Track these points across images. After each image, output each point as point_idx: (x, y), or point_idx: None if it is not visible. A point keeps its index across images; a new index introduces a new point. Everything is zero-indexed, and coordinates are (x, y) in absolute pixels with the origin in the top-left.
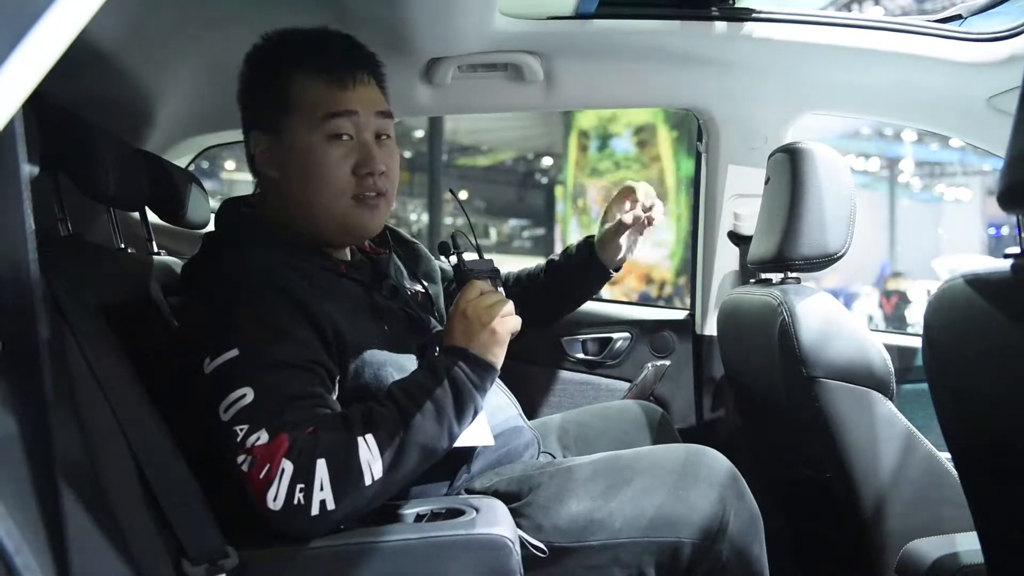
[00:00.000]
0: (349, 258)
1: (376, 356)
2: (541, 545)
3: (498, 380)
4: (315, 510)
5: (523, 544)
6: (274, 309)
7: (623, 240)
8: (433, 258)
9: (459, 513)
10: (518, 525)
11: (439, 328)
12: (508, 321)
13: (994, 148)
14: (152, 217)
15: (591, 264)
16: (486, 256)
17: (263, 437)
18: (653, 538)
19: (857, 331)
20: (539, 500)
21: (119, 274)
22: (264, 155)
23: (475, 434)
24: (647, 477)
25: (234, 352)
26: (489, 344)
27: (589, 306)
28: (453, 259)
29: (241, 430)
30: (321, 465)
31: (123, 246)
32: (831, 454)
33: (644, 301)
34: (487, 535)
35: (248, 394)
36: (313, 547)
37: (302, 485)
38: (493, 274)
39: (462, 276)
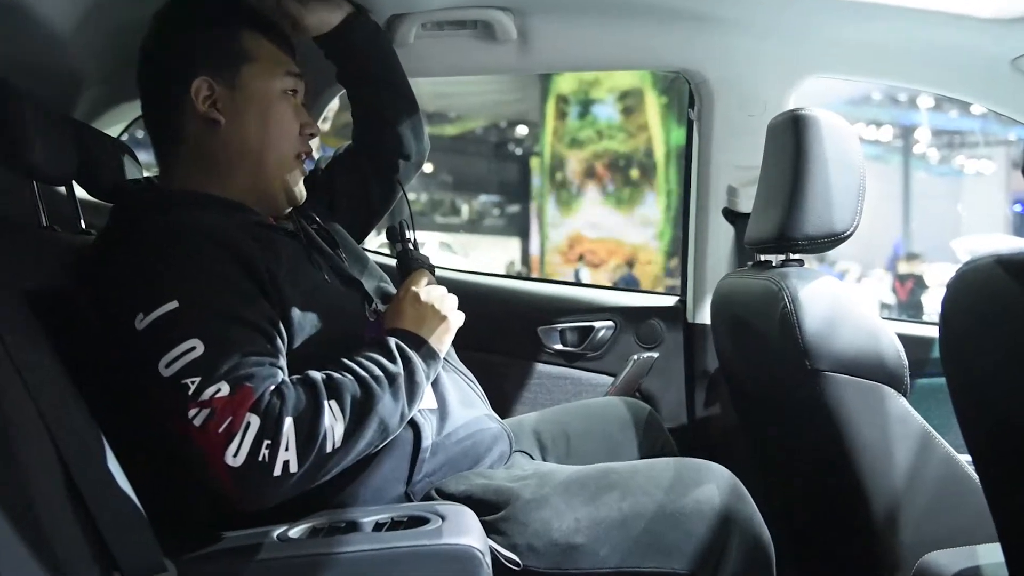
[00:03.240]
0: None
1: (319, 310)
2: (514, 557)
3: (464, 372)
4: (278, 470)
5: (494, 556)
6: (213, 259)
7: (305, 9)
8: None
9: (423, 521)
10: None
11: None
12: (457, 314)
13: (1020, 115)
14: (80, 192)
15: (338, 51)
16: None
17: (224, 389)
18: (643, 569)
19: (867, 319)
20: (515, 514)
21: (44, 256)
22: (209, 101)
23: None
24: (638, 496)
25: (172, 304)
26: (440, 334)
27: (568, 291)
28: (399, 246)
29: (192, 382)
30: (289, 424)
31: (48, 224)
32: (838, 456)
33: (629, 286)
34: (454, 546)
35: (197, 346)
36: (261, 558)
37: (269, 442)
38: (431, 268)
39: (411, 263)
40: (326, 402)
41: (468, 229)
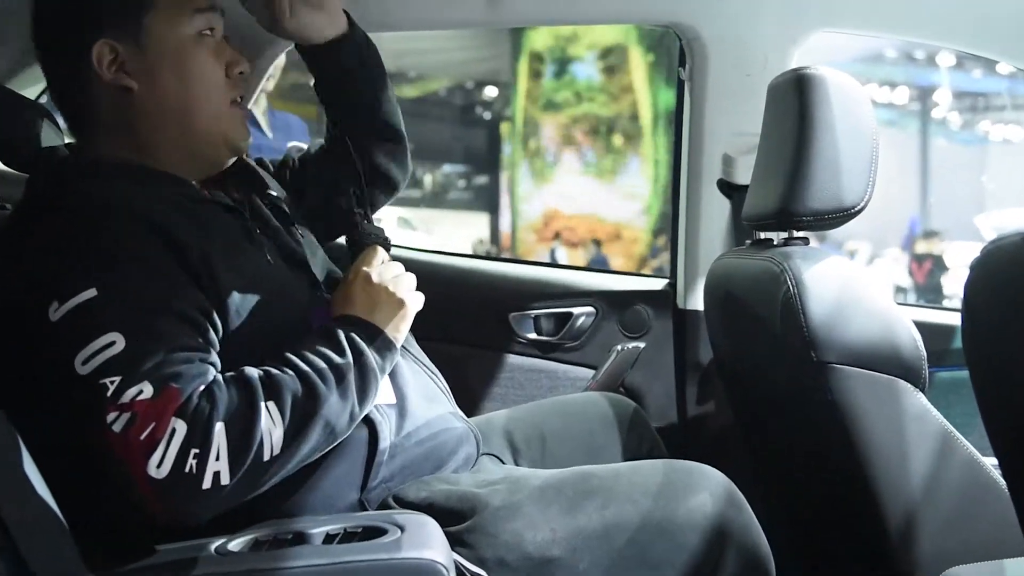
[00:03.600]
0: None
1: (260, 295)
2: (483, 573)
3: (425, 364)
4: (207, 482)
5: (459, 571)
6: (138, 240)
7: (295, 6)
8: (261, 168)
9: (379, 532)
10: (455, 554)
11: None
12: (415, 296)
13: None
14: None
15: (318, 63)
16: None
17: (147, 390)
18: None
19: (880, 305)
20: (484, 524)
21: None
22: (116, 66)
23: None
24: (622, 503)
25: (91, 292)
26: (396, 321)
27: (544, 273)
28: (349, 221)
29: (111, 383)
30: (219, 429)
31: None
32: (847, 459)
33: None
34: (414, 560)
35: (117, 341)
36: (197, 574)
37: (197, 450)
38: (387, 244)
39: (362, 238)
40: (263, 403)
41: (430, 203)
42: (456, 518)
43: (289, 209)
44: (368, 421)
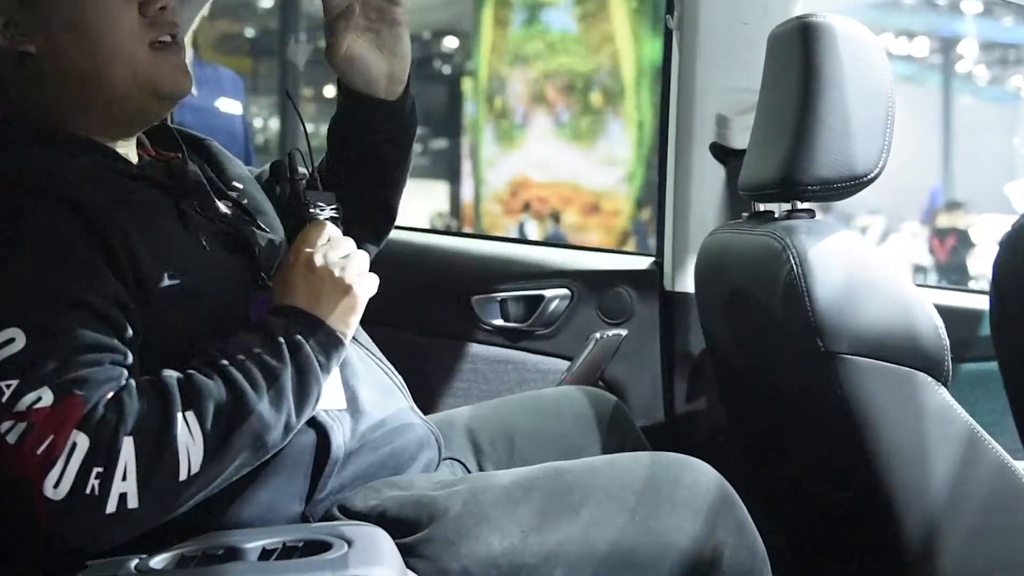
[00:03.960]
0: (136, 160)
1: (191, 286)
2: None
3: (376, 355)
4: (111, 505)
5: None
6: (47, 218)
7: (358, 44)
8: (238, 160)
9: (323, 547)
10: (412, 568)
11: (271, 238)
12: (367, 280)
13: None
14: None
15: (350, 107)
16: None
17: (45, 397)
18: None
19: (897, 286)
20: (444, 532)
21: None
22: (9, 30)
23: (324, 396)
24: (601, 500)
25: None
26: (344, 311)
27: (512, 251)
28: (288, 188)
29: (7, 387)
30: (128, 445)
31: None
32: (860, 463)
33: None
34: None
35: (17, 338)
36: None
37: (100, 469)
38: (337, 213)
39: (304, 213)
40: (180, 414)
41: None
42: (411, 527)
43: (249, 196)
44: (317, 425)
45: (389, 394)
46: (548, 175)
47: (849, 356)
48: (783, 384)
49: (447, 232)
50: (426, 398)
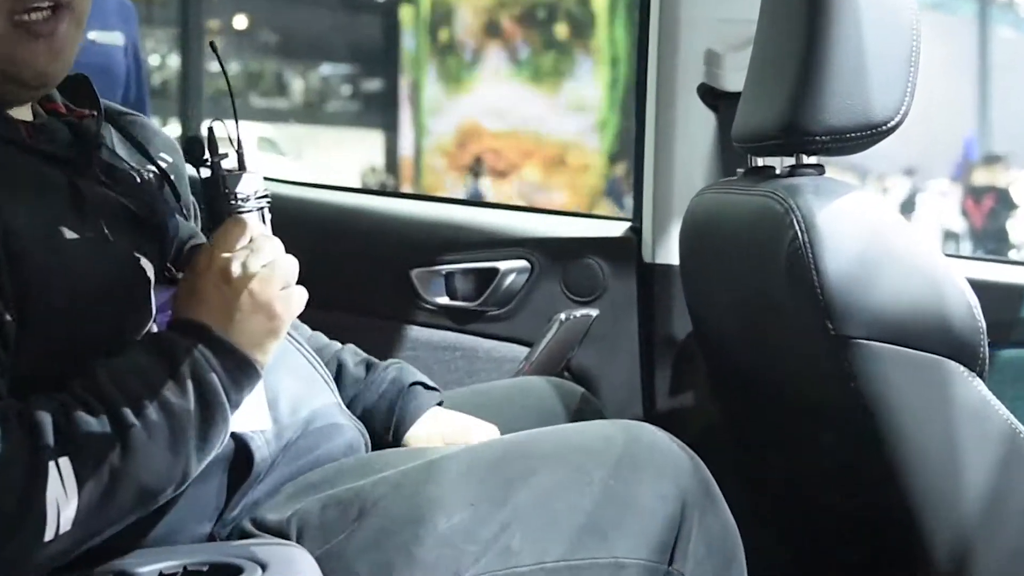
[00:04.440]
0: (32, 118)
1: (81, 288)
2: None
3: (298, 340)
4: None
5: None
6: None
7: None
8: (168, 135)
9: (231, 572)
10: (354, 573)
11: (195, 242)
12: (293, 297)
13: None
14: None
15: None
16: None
17: None
18: (572, 560)
19: (923, 257)
20: (381, 524)
21: None
22: None
23: (244, 415)
24: (555, 465)
25: None
26: (262, 335)
27: (460, 214)
28: (206, 171)
29: None
30: None
31: None
32: (877, 468)
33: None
34: None
35: None
36: None
37: None
38: (263, 203)
39: (223, 204)
40: (52, 462)
41: (303, 117)
42: (338, 528)
43: (177, 174)
44: (234, 435)
45: (313, 387)
46: (503, 123)
47: (865, 341)
48: (785, 375)
49: (382, 192)
50: None
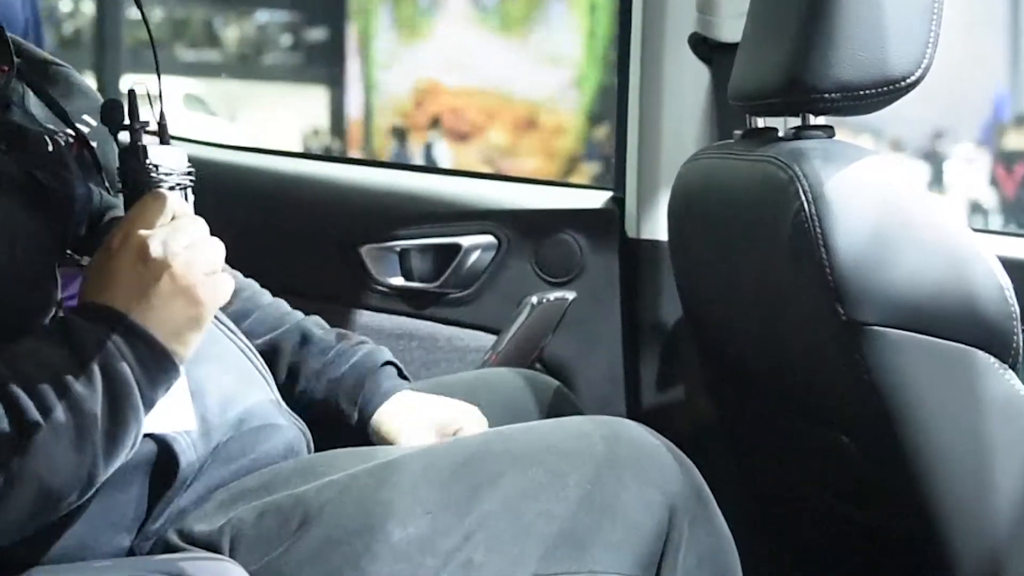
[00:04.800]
0: None
1: None
2: None
3: (231, 328)
4: None
5: None
6: None
7: None
8: (97, 94)
9: None
10: None
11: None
12: (218, 284)
13: None
14: None
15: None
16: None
17: None
18: (544, 574)
19: (947, 232)
20: (326, 534)
21: None
22: None
23: (165, 415)
24: (525, 467)
25: None
26: (182, 324)
27: (417, 183)
28: (124, 143)
29: None
30: None
31: None
32: (895, 472)
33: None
34: None
35: None
36: None
37: None
38: (189, 181)
39: (142, 178)
40: None
41: (236, 72)
42: (278, 539)
43: (101, 140)
44: (156, 437)
45: (249, 382)
46: (466, 78)
47: (880, 328)
48: (789, 367)
49: (327, 158)
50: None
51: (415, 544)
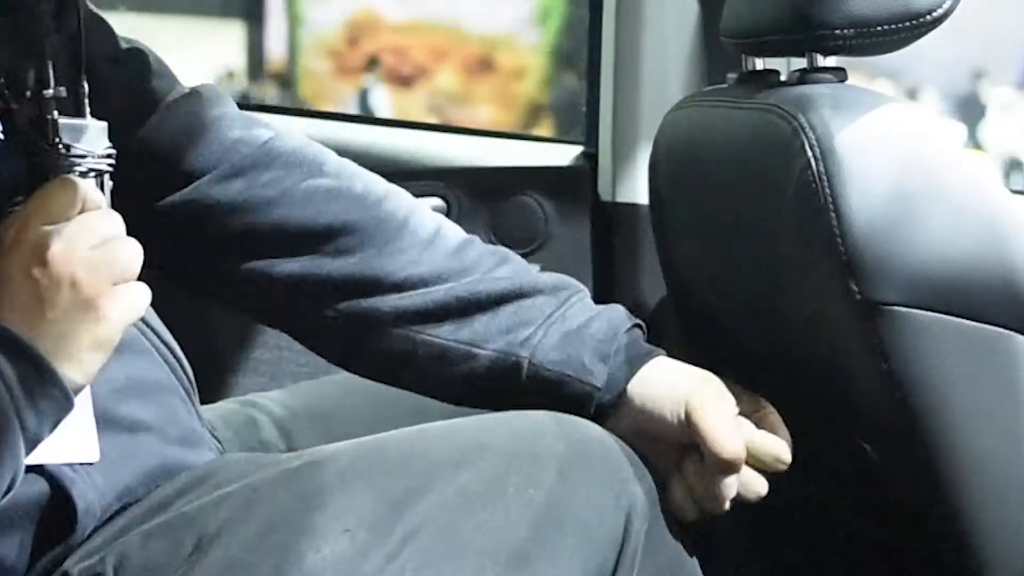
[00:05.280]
0: None
1: None
2: None
3: (153, 333)
4: None
5: None
6: None
7: None
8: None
9: None
10: None
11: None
12: (131, 295)
13: None
14: None
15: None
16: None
17: None
18: None
19: (982, 194)
20: (225, 559)
21: None
22: None
23: (61, 442)
24: (463, 471)
25: None
26: (79, 342)
27: (351, 135)
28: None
29: None
30: None
31: None
32: (919, 480)
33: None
34: None
35: None
36: None
37: None
38: (104, 165)
39: (47, 159)
40: None
41: (137, 4)
42: (168, 566)
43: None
44: (48, 475)
45: (149, 378)
46: (409, 11)
47: (902, 309)
48: (793, 354)
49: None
50: (214, 378)
51: (331, 567)
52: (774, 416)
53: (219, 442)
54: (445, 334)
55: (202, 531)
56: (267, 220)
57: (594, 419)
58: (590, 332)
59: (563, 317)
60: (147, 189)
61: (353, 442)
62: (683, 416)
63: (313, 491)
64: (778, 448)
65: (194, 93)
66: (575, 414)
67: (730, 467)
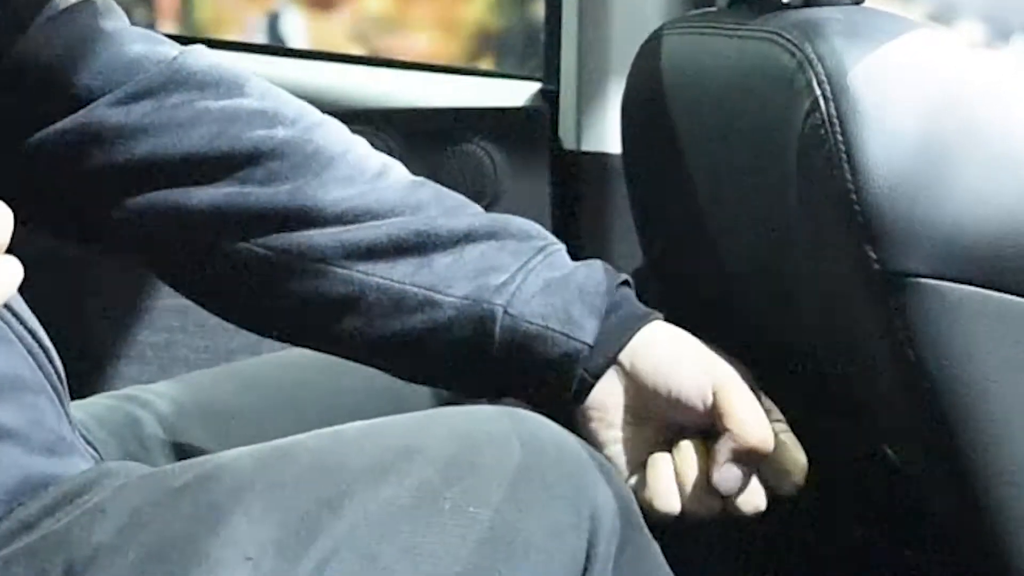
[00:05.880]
0: None
1: None
2: None
3: (19, 327)
4: None
5: None
6: None
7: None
8: None
9: None
10: None
11: None
12: (7, 276)
13: None
14: None
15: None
16: None
17: None
18: None
19: (1017, 141)
20: None
21: None
22: None
23: None
24: (388, 481)
25: None
26: None
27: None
28: None
29: None
30: None
31: None
32: (948, 470)
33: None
34: None
35: None
36: None
37: None
38: None
39: None
40: None
41: None
42: None
43: None
44: None
45: (26, 397)
46: None
47: (930, 281)
48: (798, 334)
49: None
50: (90, 366)
51: None
52: (786, 426)
53: (94, 448)
54: (399, 275)
55: (72, 557)
56: (180, 145)
57: (575, 390)
58: (577, 281)
59: (543, 264)
60: (27, 117)
61: (255, 447)
62: (708, 392)
63: (206, 509)
64: (802, 458)
65: (83, 2)
66: (551, 383)
67: (753, 456)
